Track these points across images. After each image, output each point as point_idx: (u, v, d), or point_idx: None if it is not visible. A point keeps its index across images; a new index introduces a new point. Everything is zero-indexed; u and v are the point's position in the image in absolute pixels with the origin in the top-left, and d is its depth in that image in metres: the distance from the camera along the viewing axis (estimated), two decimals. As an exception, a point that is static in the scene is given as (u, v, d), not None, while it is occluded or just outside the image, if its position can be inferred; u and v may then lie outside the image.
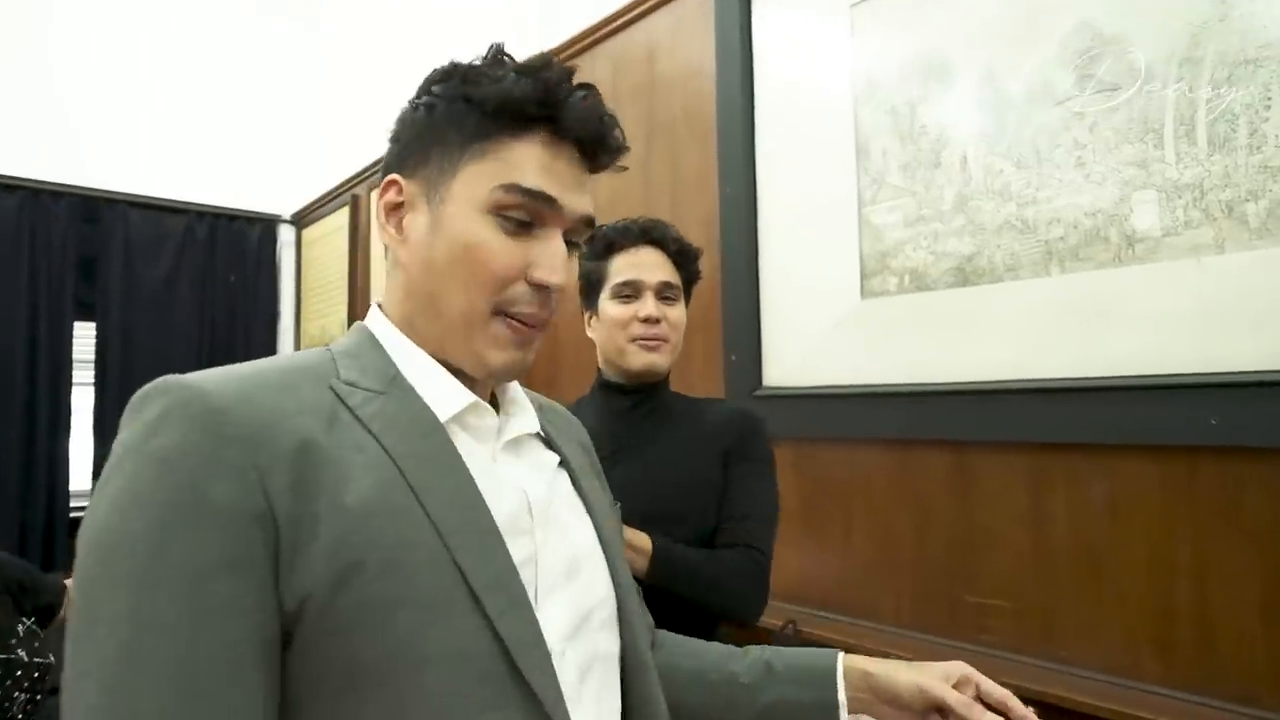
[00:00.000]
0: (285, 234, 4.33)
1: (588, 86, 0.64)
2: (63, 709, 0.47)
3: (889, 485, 1.63)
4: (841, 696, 0.75)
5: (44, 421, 3.37)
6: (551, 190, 0.61)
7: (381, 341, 0.64)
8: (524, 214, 0.61)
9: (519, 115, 0.60)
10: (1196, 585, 1.22)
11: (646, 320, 1.18)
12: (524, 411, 0.70)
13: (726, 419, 1.28)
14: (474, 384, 0.65)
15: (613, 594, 0.69)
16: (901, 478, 1.61)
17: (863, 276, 1.66)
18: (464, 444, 0.61)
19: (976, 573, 1.48)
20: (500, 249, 0.60)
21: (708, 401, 1.36)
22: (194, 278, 3.94)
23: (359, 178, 3.69)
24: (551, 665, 0.57)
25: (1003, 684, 1.32)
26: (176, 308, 3.85)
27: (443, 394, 0.62)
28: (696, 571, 1.11)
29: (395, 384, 0.60)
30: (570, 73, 0.63)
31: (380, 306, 0.67)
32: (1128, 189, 1.28)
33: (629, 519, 1.09)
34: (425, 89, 0.65)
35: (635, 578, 1.06)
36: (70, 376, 3.50)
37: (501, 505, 0.60)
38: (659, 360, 1.20)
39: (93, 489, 0.54)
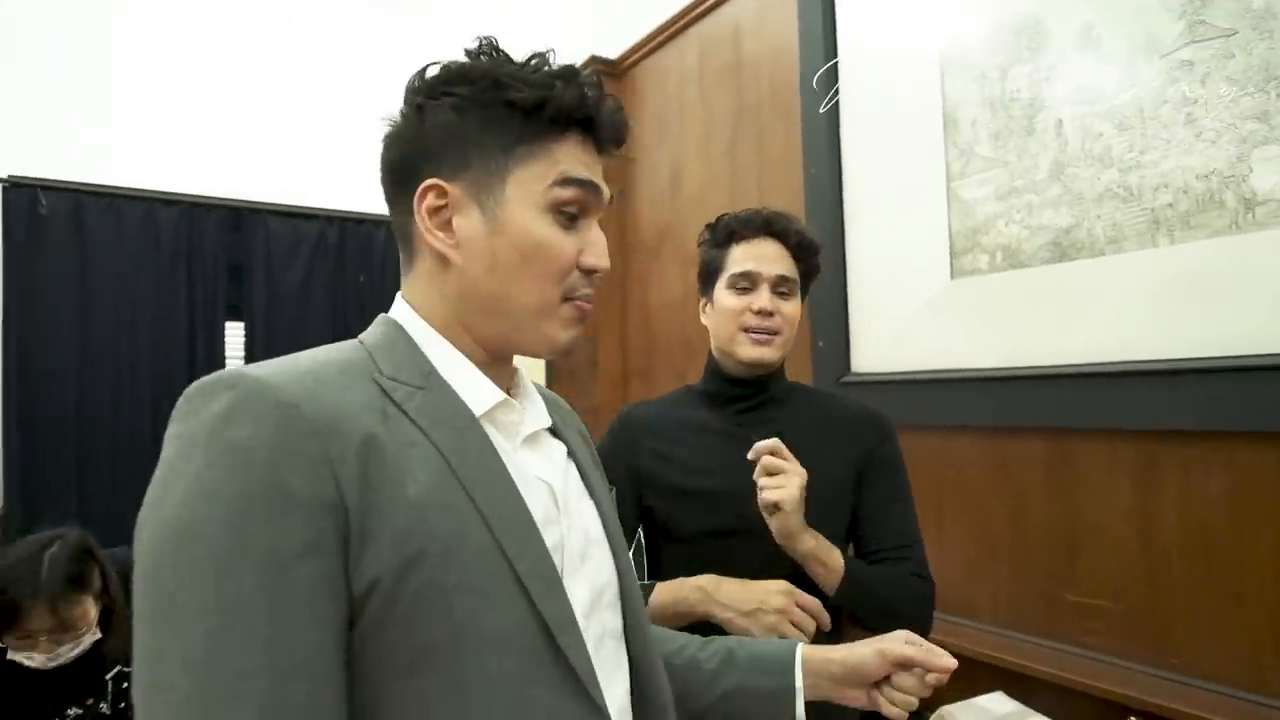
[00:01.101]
0: (409, 235, 4.58)
1: (600, 86, 0.68)
2: (141, 695, 0.49)
3: (984, 476, 1.54)
4: (799, 683, 0.79)
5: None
6: (597, 180, 0.67)
7: (414, 337, 0.66)
8: (575, 207, 0.66)
9: (563, 119, 0.64)
10: (1333, 591, 1.09)
11: (760, 313, 1.15)
12: (536, 406, 0.73)
13: (858, 420, 1.22)
14: (497, 384, 0.68)
15: (615, 575, 0.72)
16: (997, 468, 1.51)
17: (952, 255, 1.57)
18: (494, 438, 0.65)
19: (1079, 570, 1.38)
20: (564, 243, 0.65)
21: (829, 395, 1.31)
22: (327, 280, 4.24)
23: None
24: (585, 643, 0.61)
25: (1108, 692, 1.24)
26: (312, 308, 4.16)
27: (476, 391, 0.65)
28: (881, 597, 1.11)
29: (432, 380, 0.63)
30: (594, 80, 0.68)
31: (407, 302, 0.68)
32: (1246, 146, 1.14)
33: (750, 517, 1.09)
34: (441, 90, 0.65)
35: (821, 594, 1.08)
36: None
37: (532, 495, 0.63)
38: (769, 354, 1.17)
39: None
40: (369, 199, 4.42)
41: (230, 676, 0.47)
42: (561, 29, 3.10)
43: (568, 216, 0.65)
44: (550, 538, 0.63)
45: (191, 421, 0.53)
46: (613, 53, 2.71)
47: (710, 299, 1.23)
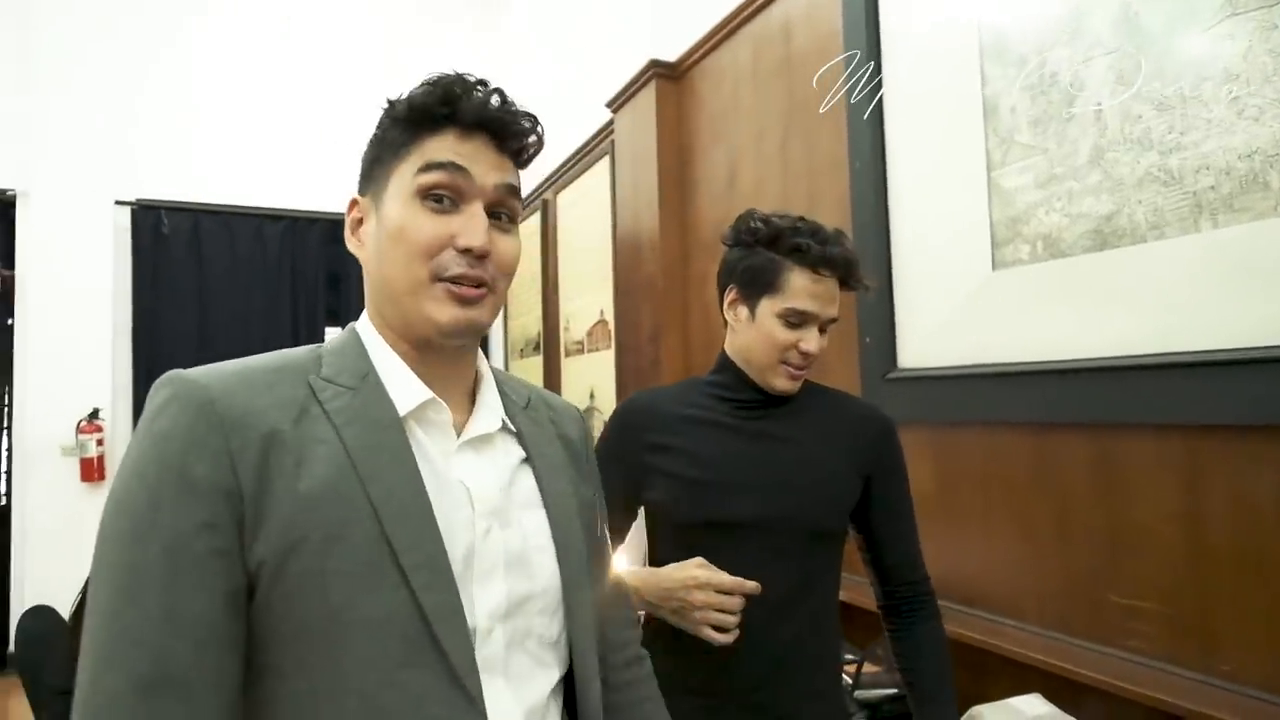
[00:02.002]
0: (490, 240, 4.75)
1: (485, 84, 0.71)
2: (83, 641, 0.58)
3: (1027, 472, 1.49)
4: None
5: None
6: (461, 161, 0.69)
7: (364, 341, 0.73)
8: (445, 191, 0.69)
9: (428, 117, 0.70)
10: (1392, 597, 1.01)
11: (805, 354, 1.15)
12: (490, 412, 0.76)
13: (863, 419, 1.23)
14: (444, 384, 0.73)
15: (558, 584, 0.74)
16: (1041, 464, 1.46)
17: (993, 246, 1.53)
18: (421, 438, 0.69)
19: (1124, 571, 1.32)
20: (426, 224, 0.68)
21: (833, 392, 1.29)
22: (416, 285, 4.47)
23: (549, 182, 3.97)
24: (467, 635, 0.64)
25: (1154, 699, 1.19)
26: (403, 312, 4.41)
27: (404, 390, 0.70)
28: (952, 687, 1.19)
29: (367, 381, 0.69)
30: (472, 80, 0.71)
31: (366, 310, 0.76)
32: (1290, 122, 1.07)
33: (753, 508, 1.13)
34: (380, 119, 0.75)
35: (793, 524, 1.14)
36: (325, 374, 4.16)
37: (445, 496, 0.67)
38: (797, 387, 1.19)
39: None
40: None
41: (131, 626, 0.56)
42: (623, 35, 3.16)
43: (436, 199, 0.69)
44: (459, 536, 0.66)
45: (146, 410, 0.63)
46: (671, 56, 2.74)
47: (751, 309, 1.17)
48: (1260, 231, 1.11)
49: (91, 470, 3.90)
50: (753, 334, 1.17)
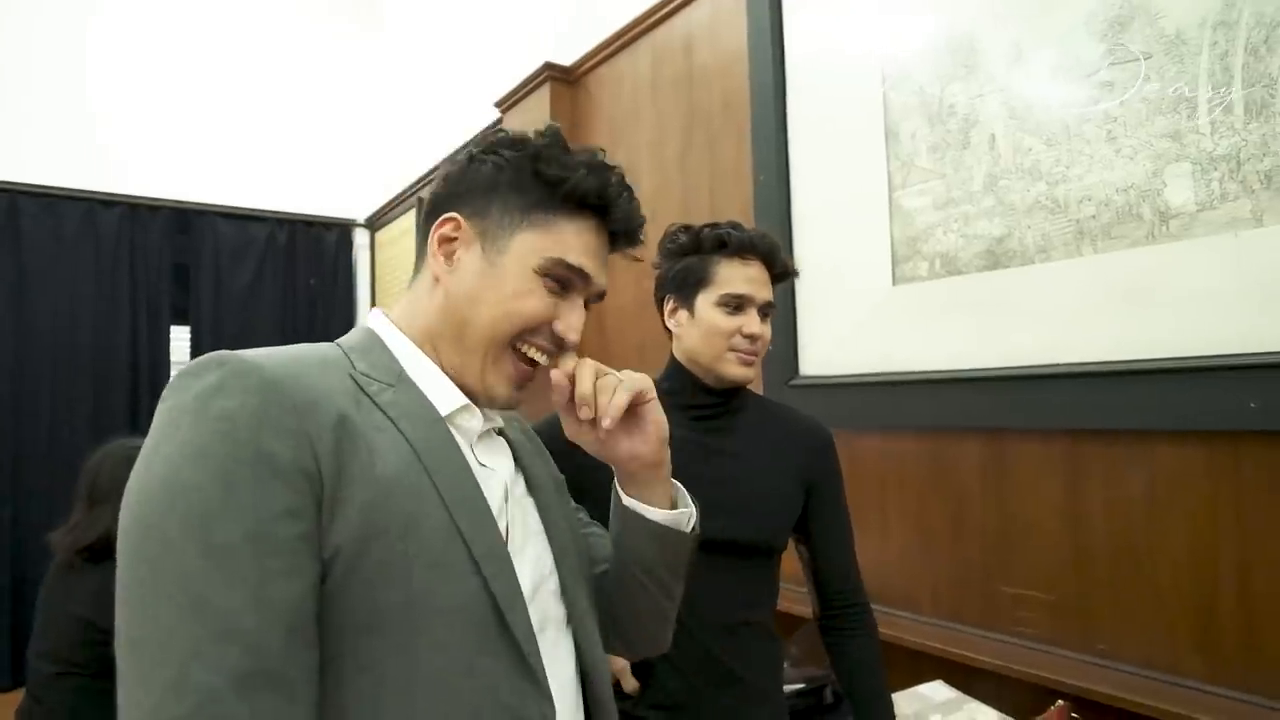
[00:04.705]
0: (360, 237, 4.53)
1: (628, 188, 0.76)
2: (130, 636, 0.52)
3: (924, 475, 1.60)
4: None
5: (145, 415, 3.65)
6: (589, 268, 0.73)
7: (387, 343, 0.72)
8: (562, 284, 0.73)
9: (580, 202, 0.72)
10: (1241, 577, 1.16)
11: (750, 336, 1.17)
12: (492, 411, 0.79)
13: (803, 431, 1.27)
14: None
15: (555, 569, 0.77)
16: (936, 467, 1.58)
17: (894, 262, 1.63)
18: (457, 436, 0.71)
19: (1013, 563, 1.45)
20: (540, 303, 0.71)
21: (775, 403, 1.34)
22: (276, 282, 4.17)
23: (424, 180, 3.83)
24: (529, 620, 0.67)
25: (1040, 678, 1.31)
26: (262, 311, 4.09)
27: (442, 393, 0.71)
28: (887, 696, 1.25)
29: (402, 380, 0.69)
30: (622, 174, 0.75)
31: (384, 314, 0.76)
32: (1160, 162, 1.22)
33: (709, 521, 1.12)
34: (491, 149, 0.74)
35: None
36: (169, 376, 3.76)
37: (487, 486, 0.69)
38: (752, 374, 1.21)
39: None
40: (320, 201, 4.37)
41: (220, 616, 0.52)
42: (515, 36, 3.11)
43: (555, 283, 0.72)
44: (500, 525, 0.69)
45: (183, 395, 0.58)
46: (567, 60, 2.73)
47: (689, 309, 1.21)
48: (1134, 258, 1.26)
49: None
50: (697, 331, 1.20)
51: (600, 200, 0.73)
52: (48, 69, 3.79)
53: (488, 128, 3.22)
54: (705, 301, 1.19)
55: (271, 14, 4.32)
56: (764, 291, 1.20)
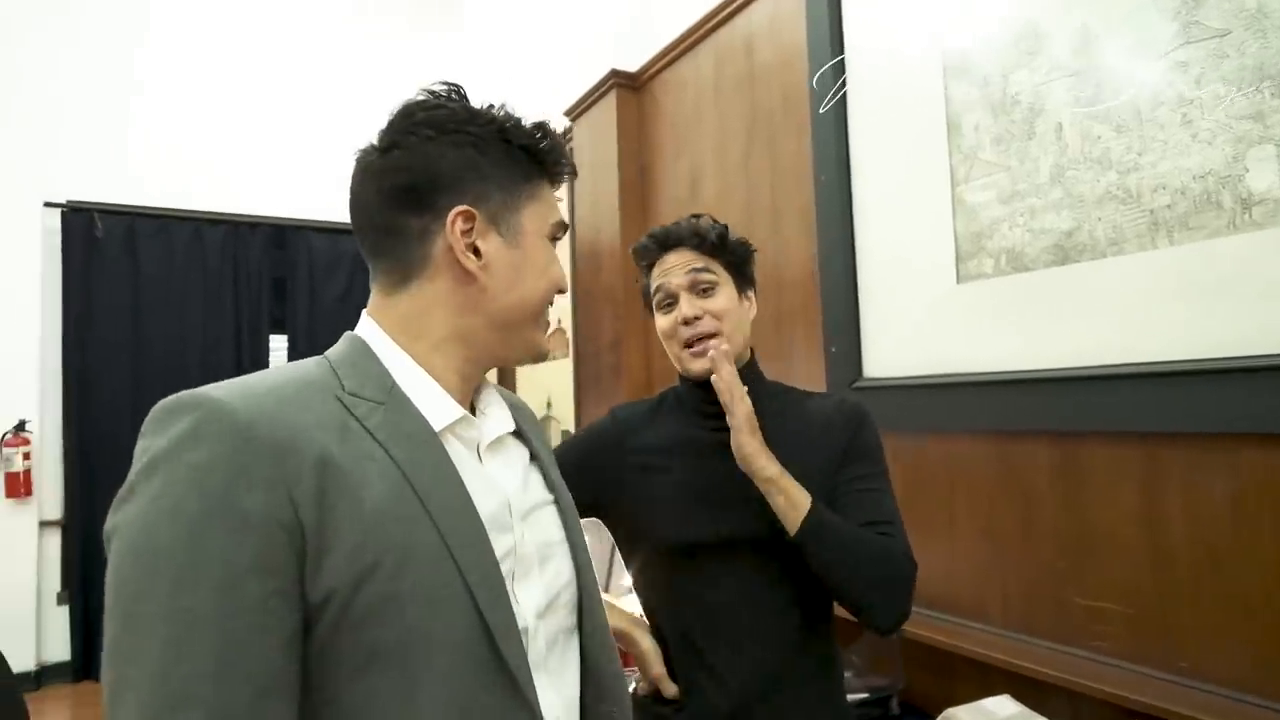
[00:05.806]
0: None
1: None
2: (109, 690, 0.52)
3: (993, 479, 1.54)
4: None
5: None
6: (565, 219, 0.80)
7: (377, 353, 0.69)
8: (555, 238, 0.78)
9: (554, 167, 0.77)
10: (1339, 594, 1.07)
11: (686, 322, 1.14)
12: (499, 412, 0.77)
13: (834, 413, 1.20)
14: (460, 394, 0.72)
15: (574, 578, 0.76)
16: (1005, 471, 1.51)
17: (958, 259, 1.57)
18: (453, 450, 0.68)
19: (1087, 573, 1.37)
20: (558, 263, 0.78)
21: (807, 393, 1.26)
22: (366, 292, 4.35)
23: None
24: (524, 648, 0.64)
25: (1116, 696, 1.24)
26: (352, 319, 4.21)
27: (437, 407, 0.68)
28: (847, 543, 1.04)
29: (393, 395, 0.66)
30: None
31: (376, 322, 0.71)
32: (1241, 146, 1.14)
33: (715, 520, 1.11)
34: (453, 127, 0.70)
35: (785, 536, 1.04)
36: (269, 383, 4.03)
37: (486, 505, 0.66)
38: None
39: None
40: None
41: (182, 681, 0.51)
42: (583, 44, 3.16)
43: (553, 243, 0.78)
44: (502, 545, 0.66)
45: (158, 439, 0.56)
46: (632, 66, 2.75)
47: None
48: (1213, 249, 1.17)
49: (17, 485, 3.69)
50: (663, 342, 1.21)
51: (558, 156, 0.77)
52: (159, 100, 4.11)
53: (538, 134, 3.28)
54: (655, 314, 1.21)
55: (355, 29, 4.54)
56: (679, 274, 1.16)
